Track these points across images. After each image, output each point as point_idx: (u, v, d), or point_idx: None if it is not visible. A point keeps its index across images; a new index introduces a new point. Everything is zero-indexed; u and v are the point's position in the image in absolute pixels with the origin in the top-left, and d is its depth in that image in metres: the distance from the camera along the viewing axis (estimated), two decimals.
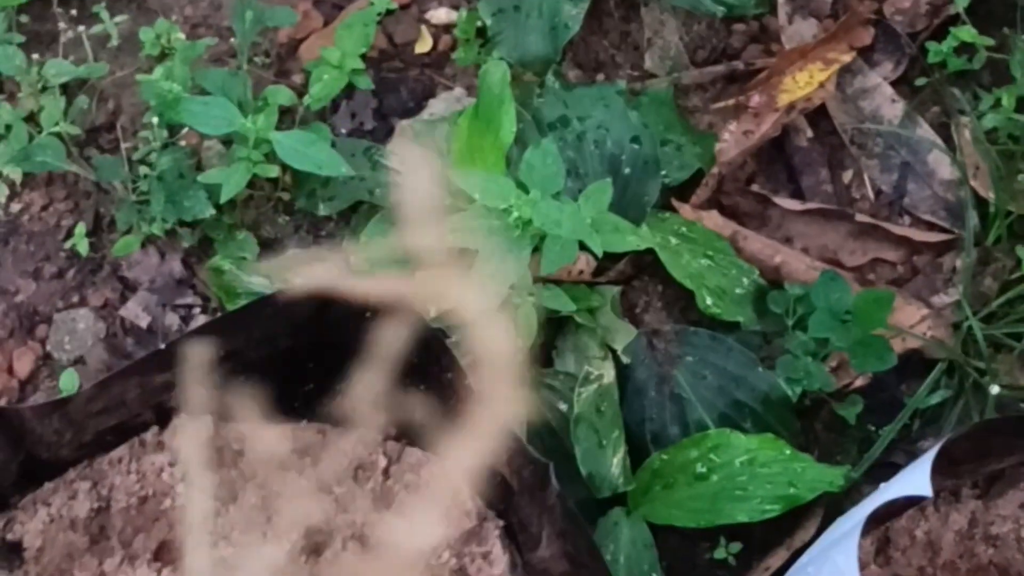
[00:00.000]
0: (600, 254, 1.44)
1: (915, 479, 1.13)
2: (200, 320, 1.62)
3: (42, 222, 1.69)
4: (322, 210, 1.62)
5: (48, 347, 1.63)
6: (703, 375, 1.56)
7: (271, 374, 1.08)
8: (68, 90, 1.70)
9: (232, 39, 1.73)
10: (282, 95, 1.63)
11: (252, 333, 1.08)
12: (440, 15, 1.78)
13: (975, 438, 1.27)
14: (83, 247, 1.65)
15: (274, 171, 1.57)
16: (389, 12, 1.74)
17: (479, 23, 1.72)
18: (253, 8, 1.57)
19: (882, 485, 1.29)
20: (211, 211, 1.57)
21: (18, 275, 1.67)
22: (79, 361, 1.62)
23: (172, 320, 1.63)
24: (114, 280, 1.66)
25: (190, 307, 1.64)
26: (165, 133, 1.59)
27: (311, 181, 1.61)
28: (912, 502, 1.33)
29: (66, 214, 1.69)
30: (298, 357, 1.11)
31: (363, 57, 1.66)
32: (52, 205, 1.70)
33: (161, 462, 1.12)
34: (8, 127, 1.65)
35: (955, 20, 1.74)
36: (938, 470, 1.12)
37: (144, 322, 1.63)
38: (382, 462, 1.05)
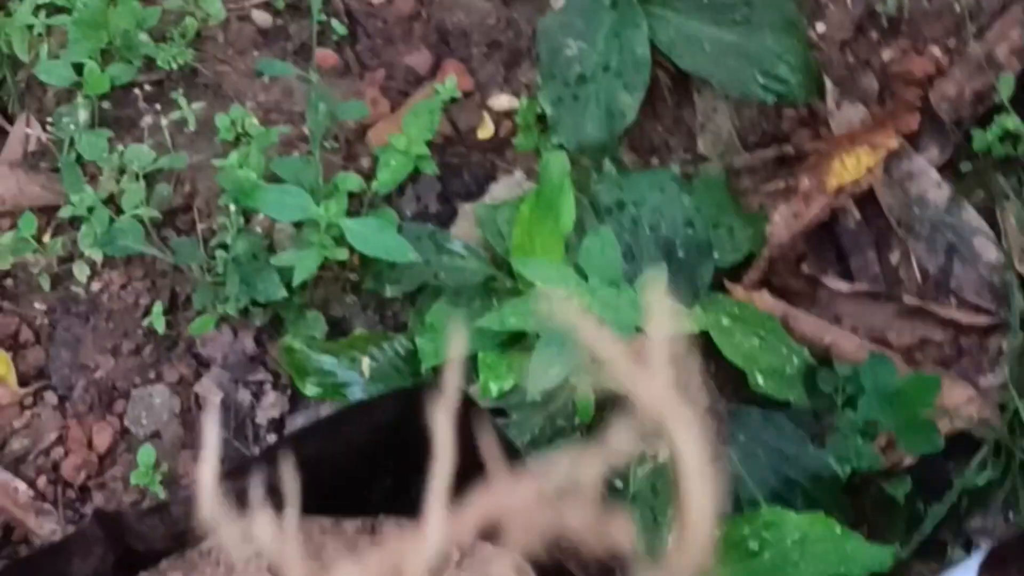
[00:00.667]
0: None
1: None
2: (271, 397, 1.69)
3: (121, 301, 1.77)
4: (388, 292, 1.69)
5: (126, 422, 1.71)
6: (755, 453, 1.61)
7: (353, 471, 1.14)
8: (147, 174, 1.78)
9: (302, 124, 1.81)
10: (351, 182, 1.70)
11: (341, 437, 1.14)
12: (501, 102, 1.85)
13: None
14: (160, 325, 1.72)
15: (343, 254, 1.64)
16: (453, 100, 1.81)
17: (539, 110, 1.79)
18: (326, 101, 1.64)
19: None
20: (283, 293, 1.65)
21: (98, 352, 1.74)
22: (155, 436, 1.69)
23: (244, 396, 1.70)
24: (189, 357, 1.73)
25: (261, 383, 1.71)
26: (241, 220, 1.66)
27: (378, 264, 1.68)
28: None
29: (144, 293, 1.77)
30: (378, 454, 1.17)
31: (428, 143, 1.73)
32: (130, 284, 1.77)
33: (249, 553, 1.17)
34: (91, 209, 1.73)
35: (999, 109, 1.79)
36: (987, 569, 1.16)
37: (217, 398, 1.70)
38: (455, 555, 1.10)
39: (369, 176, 1.75)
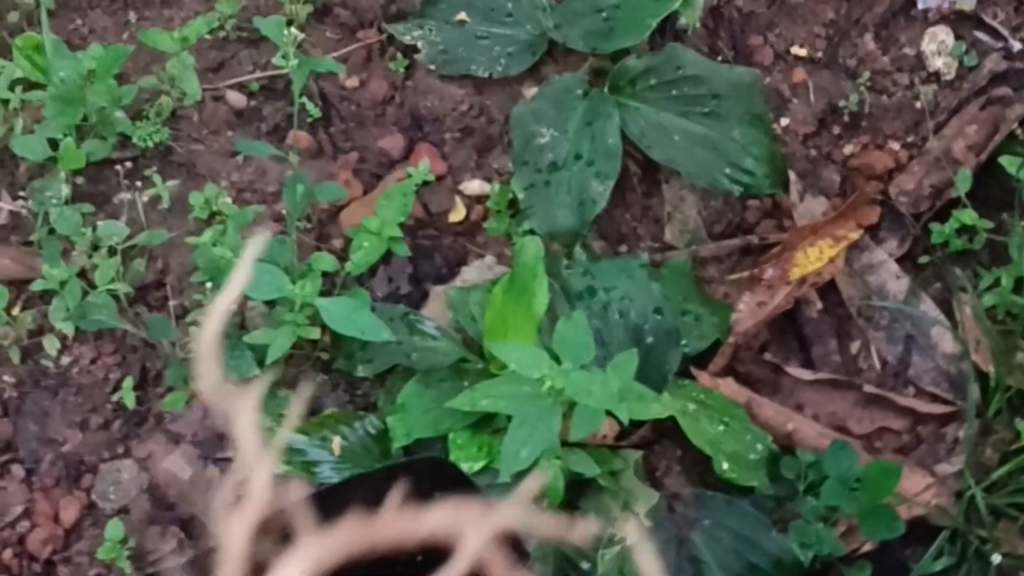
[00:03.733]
0: (627, 422, 1.52)
1: None
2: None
3: (91, 375, 1.77)
4: (360, 371, 1.71)
5: (93, 496, 1.71)
6: (719, 538, 1.64)
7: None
8: (120, 249, 1.79)
9: (276, 204, 1.83)
10: (325, 262, 1.73)
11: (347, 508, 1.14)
12: (473, 187, 1.88)
13: None
14: (130, 400, 1.73)
15: (315, 333, 1.66)
16: (426, 183, 1.84)
17: (510, 196, 1.82)
18: (303, 183, 1.67)
19: None
20: (256, 371, 1.66)
21: (66, 426, 1.75)
22: (123, 511, 1.69)
23: (213, 473, 1.71)
24: (158, 433, 1.74)
25: (230, 460, 1.72)
26: (215, 294, 1.68)
27: (350, 343, 1.69)
28: None
29: (114, 368, 1.78)
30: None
31: (401, 225, 1.76)
32: (101, 359, 1.78)
33: None
34: (63, 283, 1.74)
35: (957, 203, 1.85)
36: None
37: (186, 474, 1.70)
38: None
39: (342, 257, 1.77)
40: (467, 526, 0.55)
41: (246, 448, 0.55)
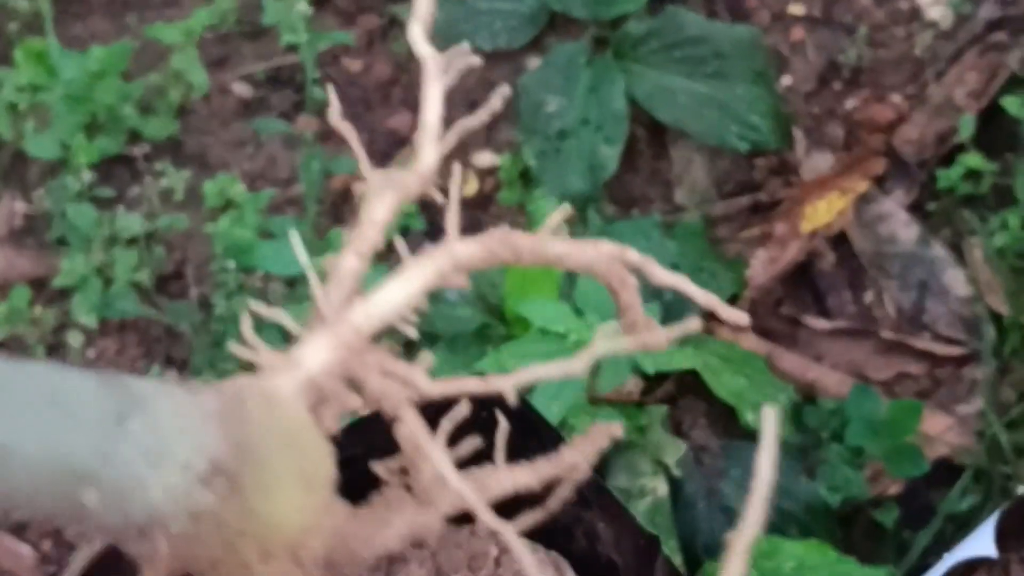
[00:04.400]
0: (652, 372, 1.54)
1: (979, 543, 1.22)
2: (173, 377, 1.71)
3: (116, 366, 1.79)
4: (385, 342, 1.72)
5: None
6: (749, 487, 1.65)
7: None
8: (137, 241, 1.81)
9: (289, 189, 1.85)
10: (342, 237, 1.74)
11: (373, 441, 1.16)
12: (484, 159, 1.91)
13: None
14: None
15: None
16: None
17: (521, 166, 1.84)
18: (319, 158, 1.69)
19: (945, 555, 1.37)
20: (283, 349, 1.67)
21: None
22: None
23: None
24: None
25: None
26: (237, 278, 1.70)
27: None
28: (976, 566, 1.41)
29: (139, 358, 1.79)
30: None
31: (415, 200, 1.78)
32: (126, 350, 1.80)
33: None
34: (83, 278, 1.76)
35: (961, 149, 1.87)
36: (1005, 528, 1.20)
37: None
38: (493, 552, 1.13)
39: None
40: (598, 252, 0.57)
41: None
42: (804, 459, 1.71)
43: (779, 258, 1.85)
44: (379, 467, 0.63)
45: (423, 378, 0.55)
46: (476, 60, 0.63)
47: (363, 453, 1.20)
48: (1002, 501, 1.70)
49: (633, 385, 1.68)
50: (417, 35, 0.62)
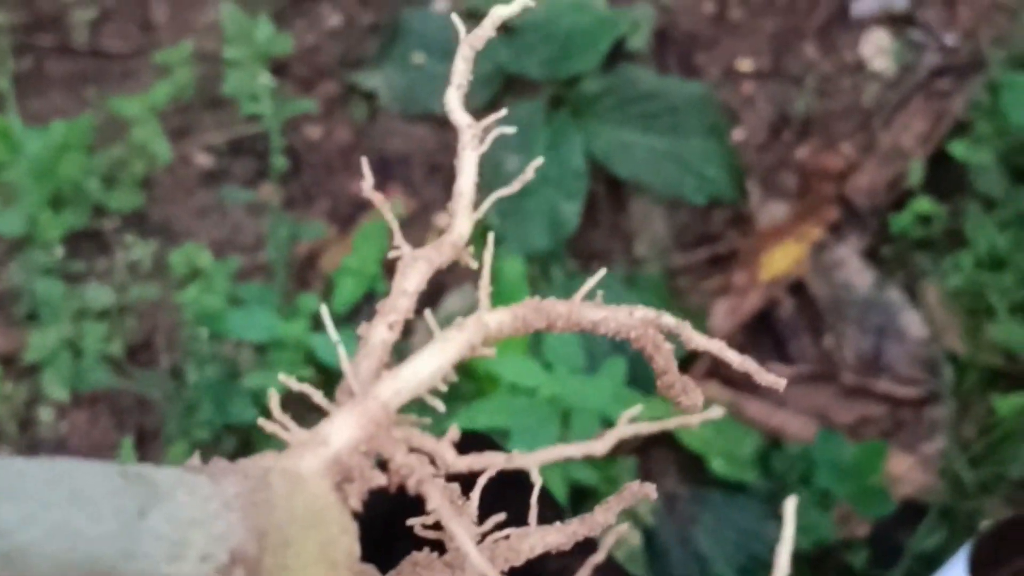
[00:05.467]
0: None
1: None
2: (196, 461, 1.73)
3: (89, 439, 1.80)
4: None
5: None
6: (721, 533, 1.68)
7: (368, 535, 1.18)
8: (107, 313, 1.83)
9: (255, 256, 1.87)
10: (311, 302, 1.77)
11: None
12: (446, 220, 1.93)
13: (1003, 536, 1.37)
14: (130, 460, 1.75)
15: (309, 373, 1.70)
16: (400, 221, 1.89)
17: (483, 226, 1.87)
18: (285, 225, 1.71)
19: None
20: (255, 414, 1.69)
21: None
22: None
23: None
24: None
25: None
26: (208, 346, 1.72)
27: (341, 379, 1.73)
28: None
29: (112, 430, 1.80)
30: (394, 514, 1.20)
31: (380, 262, 1.81)
32: (98, 423, 1.81)
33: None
34: (54, 352, 1.77)
35: (913, 193, 1.91)
36: (978, 560, 1.23)
37: None
38: None
39: (323, 299, 1.81)
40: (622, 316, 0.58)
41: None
42: (772, 503, 1.73)
43: (739, 307, 1.88)
44: (413, 522, 0.64)
45: (450, 453, 0.56)
46: (511, 130, 0.65)
47: (396, 506, 1.21)
48: (968, 537, 1.73)
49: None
50: (453, 101, 0.63)
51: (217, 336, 1.72)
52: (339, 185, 1.97)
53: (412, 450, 0.56)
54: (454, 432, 0.57)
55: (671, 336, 0.60)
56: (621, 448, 1.75)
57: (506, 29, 1.97)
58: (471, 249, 1.84)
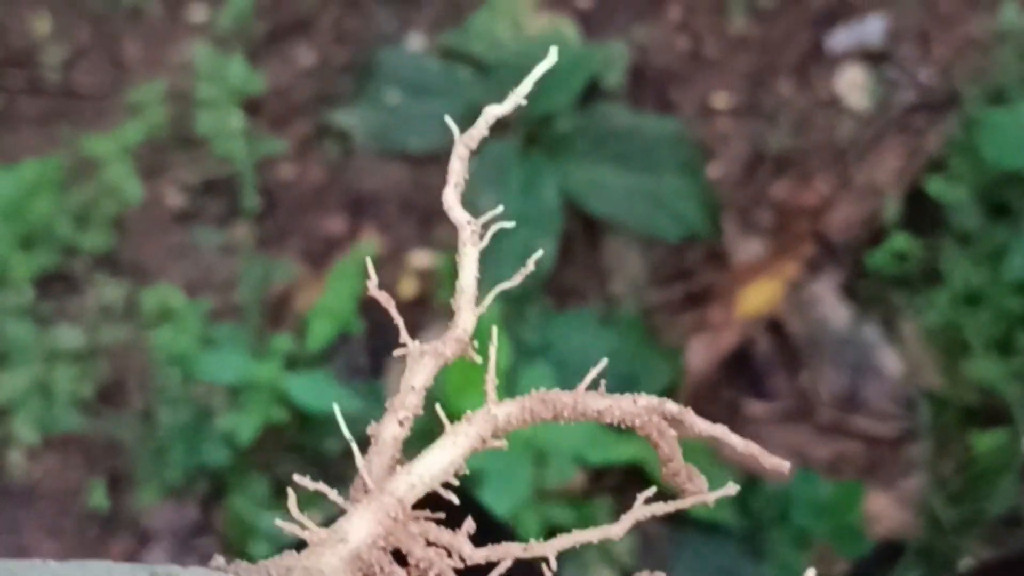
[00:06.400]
0: (597, 461, 1.56)
1: None
2: (219, 562, 1.71)
3: (61, 482, 1.78)
4: (329, 447, 1.73)
5: None
6: (698, 571, 1.67)
7: None
8: (78, 355, 1.81)
9: (228, 296, 1.86)
10: (284, 343, 1.75)
11: None
12: (421, 259, 1.93)
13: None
14: (102, 503, 1.74)
15: (283, 414, 1.69)
16: (374, 259, 1.88)
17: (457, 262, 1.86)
18: (258, 265, 1.70)
19: None
20: (227, 457, 1.68)
21: (41, 535, 1.75)
22: None
23: (192, 564, 1.71)
24: (134, 530, 1.75)
25: (208, 549, 1.72)
26: (180, 388, 1.70)
27: (316, 421, 1.72)
28: None
29: (83, 472, 1.78)
30: None
31: (355, 301, 1.80)
32: (69, 466, 1.79)
33: None
34: (25, 394, 1.75)
35: (888, 229, 1.91)
36: None
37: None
38: None
39: (297, 339, 1.80)
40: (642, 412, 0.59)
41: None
42: (749, 542, 1.72)
43: (715, 344, 1.88)
44: None
45: (467, 545, 0.58)
46: (510, 224, 0.66)
47: None
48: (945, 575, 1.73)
49: (579, 478, 1.70)
50: (451, 200, 0.65)
51: (189, 378, 1.71)
52: (313, 224, 1.96)
53: (429, 543, 0.58)
54: (470, 524, 0.59)
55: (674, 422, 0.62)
56: (598, 488, 1.74)
57: (479, 68, 1.97)
58: (441, 291, 1.82)
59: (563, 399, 0.59)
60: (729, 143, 2.03)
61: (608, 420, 0.59)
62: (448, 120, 0.65)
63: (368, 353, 1.86)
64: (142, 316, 1.84)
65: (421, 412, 0.63)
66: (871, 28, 2.05)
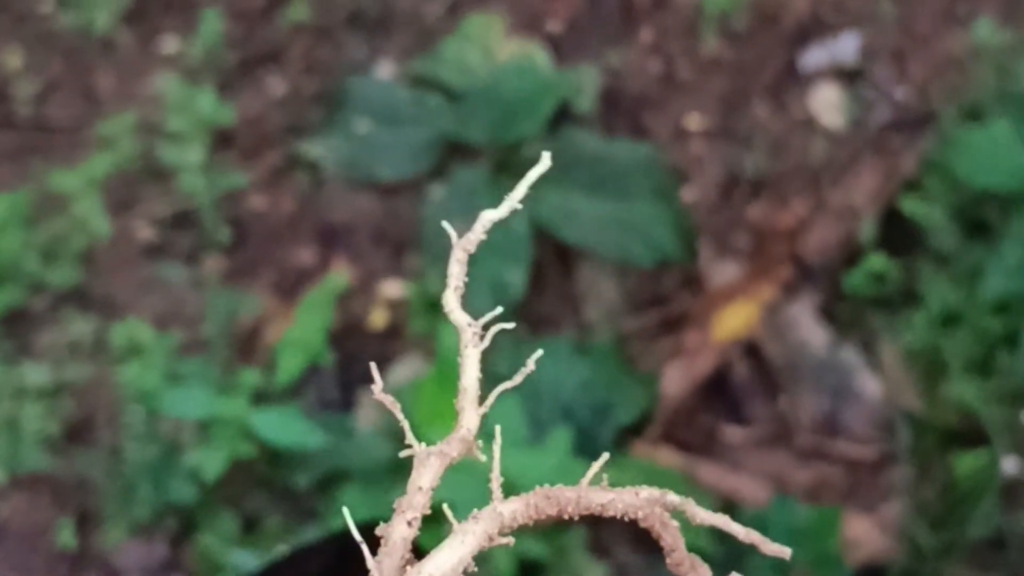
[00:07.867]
0: None
1: None
2: None
3: (30, 521, 1.76)
4: (299, 481, 1.71)
5: None
6: None
7: None
8: (45, 393, 1.79)
9: (196, 330, 1.84)
10: (252, 377, 1.74)
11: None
12: (392, 289, 1.91)
13: None
14: (71, 541, 1.71)
15: (251, 449, 1.67)
16: (344, 291, 1.86)
17: (428, 295, 1.84)
18: (227, 300, 1.69)
19: None
20: (195, 493, 1.66)
21: (11, 575, 1.73)
22: None
23: None
24: (103, 569, 1.73)
25: None
26: (147, 424, 1.68)
27: (286, 455, 1.70)
28: None
29: (51, 511, 1.76)
30: None
31: (324, 334, 1.78)
32: (37, 505, 1.77)
33: None
34: None
35: (865, 250, 1.89)
36: None
37: None
38: None
39: (266, 371, 1.78)
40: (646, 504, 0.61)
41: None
42: (726, 570, 1.70)
43: (692, 369, 1.86)
44: None
45: None
46: (510, 325, 0.67)
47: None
48: None
49: None
50: (452, 303, 0.66)
51: (155, 414, 1.69)
52: (284, 255, 1.95)
53: None
54: None
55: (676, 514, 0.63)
56: (572, 519, 1.71)
57: (449, 95, 1.95)
58: (413, 320, 1.80)
59: (567, 494, 0.64)
60: (704, 166, 2.01)
61: (611, 513, 0.62)
62: (446, 225, 0.64)
63: (339, 386, 1.84)
64: (110, 351, 1.82)
65: (429, 512, 0.62)
66: (845, 45, 2.03)
